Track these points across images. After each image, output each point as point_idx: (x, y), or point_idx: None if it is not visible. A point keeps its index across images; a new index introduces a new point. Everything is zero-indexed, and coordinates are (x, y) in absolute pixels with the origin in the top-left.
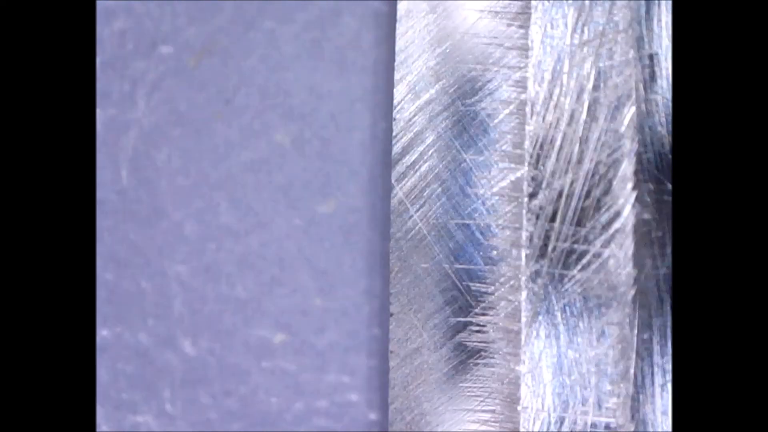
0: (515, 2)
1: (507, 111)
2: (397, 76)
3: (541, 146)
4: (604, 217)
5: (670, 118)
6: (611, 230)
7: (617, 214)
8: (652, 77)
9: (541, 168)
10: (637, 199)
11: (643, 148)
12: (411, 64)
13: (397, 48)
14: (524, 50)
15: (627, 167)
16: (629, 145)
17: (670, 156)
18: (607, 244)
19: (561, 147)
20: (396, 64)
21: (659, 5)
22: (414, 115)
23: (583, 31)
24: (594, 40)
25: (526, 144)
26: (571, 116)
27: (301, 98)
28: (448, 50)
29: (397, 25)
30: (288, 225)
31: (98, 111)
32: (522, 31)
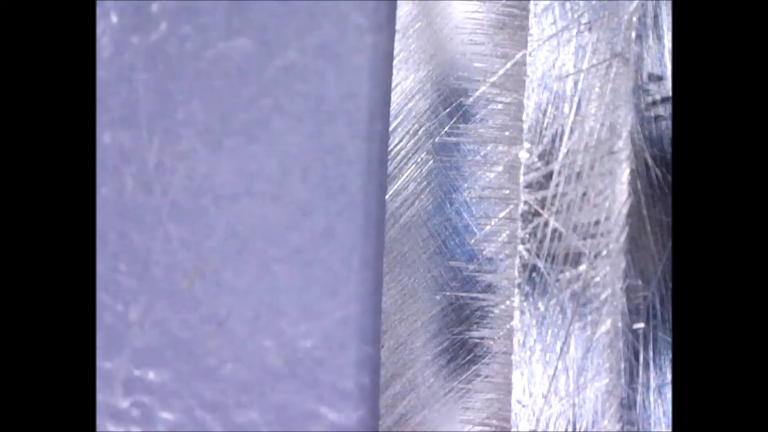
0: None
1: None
2: (384, 302)
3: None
4: None
5: None
6: None
7: None
8: (637, 311)
9: None
10: None
11: None
12: (401, 288)
13: (385, 267)
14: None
15: None
16: None
17: None
18: None
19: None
20: (384, 290)
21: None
22: (403, 342)
23: (569, 262)
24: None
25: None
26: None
27: (294, 318)
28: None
29: (385, 254)
30: None
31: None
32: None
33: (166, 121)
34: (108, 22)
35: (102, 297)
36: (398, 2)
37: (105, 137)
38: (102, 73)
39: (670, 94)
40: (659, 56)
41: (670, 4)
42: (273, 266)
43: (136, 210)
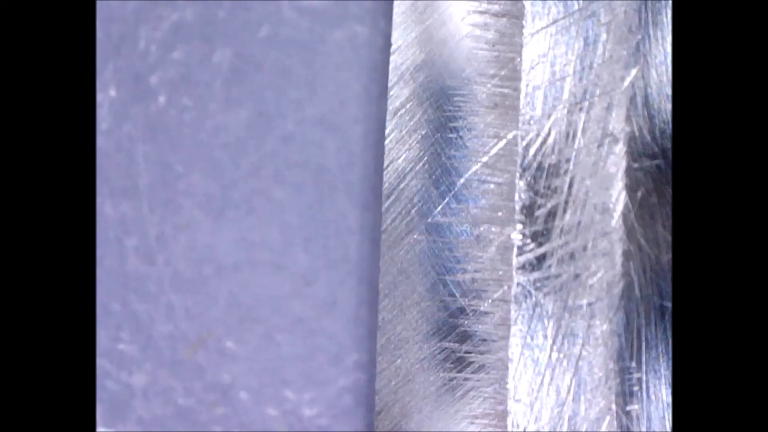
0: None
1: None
2: (377, 382)
3: None
4: None
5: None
6: None
7: None
8: (630, 392)
9: None
10: None
11: None
12: (394, 369)
13: (378, 348)
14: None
15: None
16: None
17: None
18: None
19: None
20: (377, 371)
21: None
22: (397, 423)
23: (563, 343)
24: (573, 348)
25: None
26: None
27: (298, 386)
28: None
29: (378, 336)
30: None
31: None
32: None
33: (166, 192)
34: (107, 94)
35: (106, 366)
36: (389, 80)
37: (106, 208)
38: (102, 144)
39: (663, 172)
40: (651, 135)
41: (665, 81)
42: (276, 335)
43: (139, 280)
